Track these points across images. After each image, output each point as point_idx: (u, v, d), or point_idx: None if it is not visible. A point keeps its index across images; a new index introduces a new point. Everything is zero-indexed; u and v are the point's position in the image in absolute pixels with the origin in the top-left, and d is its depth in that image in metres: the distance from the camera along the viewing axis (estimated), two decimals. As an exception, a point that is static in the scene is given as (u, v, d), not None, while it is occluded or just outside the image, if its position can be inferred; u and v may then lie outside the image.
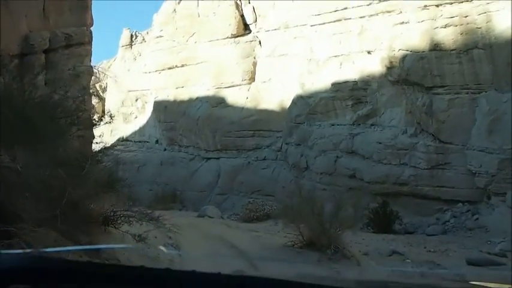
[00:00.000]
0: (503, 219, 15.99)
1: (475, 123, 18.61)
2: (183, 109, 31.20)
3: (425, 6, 19.21)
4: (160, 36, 34.10)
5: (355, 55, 22.92)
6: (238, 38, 29.86)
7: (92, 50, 19.04)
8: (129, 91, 36.25)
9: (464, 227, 17.41)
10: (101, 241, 7.68)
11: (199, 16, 30.98)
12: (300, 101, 25.21)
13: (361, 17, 21.97)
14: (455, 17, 18.57)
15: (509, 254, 12.96)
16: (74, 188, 7.06)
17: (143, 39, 38.03)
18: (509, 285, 1.90)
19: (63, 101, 9.75)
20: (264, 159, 27.61)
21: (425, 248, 14.17)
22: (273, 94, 27.63)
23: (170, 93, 32.29)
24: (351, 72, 22.95)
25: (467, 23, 18.35)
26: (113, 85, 38.83)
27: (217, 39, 30.23)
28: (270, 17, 28.37)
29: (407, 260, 11.43)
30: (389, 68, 21.02)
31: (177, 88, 31.94)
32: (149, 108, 34.58)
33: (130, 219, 9.16)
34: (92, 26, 19.06)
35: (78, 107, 9.75)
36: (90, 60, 18.93)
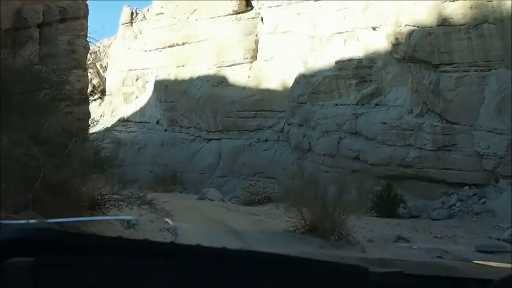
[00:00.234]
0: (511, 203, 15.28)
1: (483, 102, 17.78)
2: (184, 88, 30.56)
3: (434, -21, 18.33)
4: (161, 14, 33.31)
5: (360, 31, 22.12)
6: (240, 14, 29.07)
7: (88, 24, 18.38)
8: (130, 70, 35.68)
9: (470, 211, 16.71)
10: (84, 228, 7.08)
11: (200, -8, 30.11)
12: (303, 80, 24.47)
13: (366, -9, 21.13)
14: (464, -10, 17.70)
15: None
16: (54, 169, 6.41)
17: (144, 17, 37.30)
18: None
19: (49, 75, 9.05)
20: (266, 140, 27.02)
21: (431, 233, 13.55)
22: (276, 73, 26.91)
23: (171, 72, 31.65)
24: (356, 49, 22.19)
25: (478, -4, 17.48)
26: (113, 64, 38.26)
27: (219, 16, 29.45)
28: (272, -7, 27.48)
29: (414, 247, 10.80)
30: (395, 45, 20.22)
31: (177, 67, 31.29)
32: (150, 88, 34.00)
33: (120, 203, 8.56)
34: (88, -1, 18.37)
35: (64, 81, 9.09)
36: (86, 35, 18.27)
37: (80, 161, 6.68)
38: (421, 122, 19.48)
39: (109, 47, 41.06)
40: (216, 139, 29.11)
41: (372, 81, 21.86)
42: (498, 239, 12.69)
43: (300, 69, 24.74)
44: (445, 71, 18.65)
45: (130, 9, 38.40)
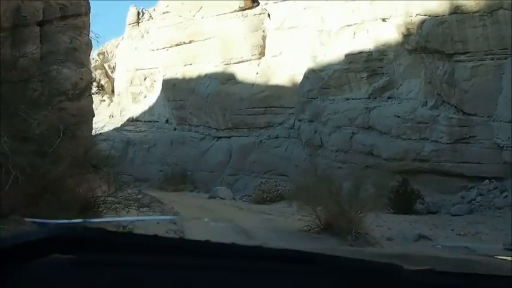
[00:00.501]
0: (535, 196, 14.70)
1: (501, 91, 17.14)
2: (192, 87, 30.20)
3: (445, -35, 17.73)
4: (167, 12, 32.99)
5: (369, 23, 21.58)
6: (246, 11, 28.66)
7: (90, 21, 17.93)
8: (137, 70, 35.38)
9: (492, 206, 16.08)
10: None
11: (205, -11, 29.69)
12: (312, 74, 23.95)
13: (374, -18, 20.56)
14: (477, -24, 17.10)
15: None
16: (39, 168, 5.97)
17: (150, 16, 36.95)
18: None
19: (39, 69, 8.61)
20: (276, 137, 26.58)
21: (452, 230, 12.98)
22: (284, 68, 26.42)
23: (178, 71, 31.31)
24: (365, 42, 21.67)
25: (491, -19, 16.88)
26: (121, 64, 37.99)
27: (225, 13, 29.08)
28: (278, -13, 26.97)
29: (438, 246, 10.23)
30: (406, 36, 19.65)
31: (185, 65, 30.94)
32: (158, 87, 33.68)
33: (116, 206, 8.08)
34: (89, -4, 17.93)
35: (56, 76, 8.65)
36: (88, 33, 17.85)
37: (70, 160, 6.19)
38: (436, 114, 18.90)
39: (116, 47, 40.77)
40: (225, 137, 28.71)
41: (383, 73, 21.31)
42: (525, 235, 12.08)
43: (309, 64, 24.24)
44: (460, 61, 18.05)
45: (136, 9, 38.09)
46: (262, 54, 27.94)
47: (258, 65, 27.86)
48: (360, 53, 21.77)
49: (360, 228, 10.24)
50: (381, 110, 20.95)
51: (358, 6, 21.74)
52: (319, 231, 10.70)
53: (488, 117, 17.47)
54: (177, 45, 31.49)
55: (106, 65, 42.39)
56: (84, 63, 16.88)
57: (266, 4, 28.10)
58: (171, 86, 31.75)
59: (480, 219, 14.65)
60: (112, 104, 39.50)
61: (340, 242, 9.83)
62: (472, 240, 11.25)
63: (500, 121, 17.00)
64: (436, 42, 18.50)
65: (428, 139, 19.05)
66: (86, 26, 17.29)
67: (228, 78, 28.68)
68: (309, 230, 10.87)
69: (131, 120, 35.45)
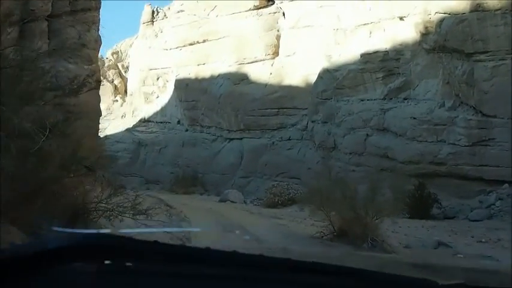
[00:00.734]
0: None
1: (522, 93, 16.41)
2: (205, 87, 29.80)
3: (465, -39, 17.07)
4: (181, 11, 32.70)
5: (386, 22, 20.95)
6: (261, 9, 28.25)
7: (100, 17, 17.58)
8: (150, 69, 35.12)
9: (513, 211, 15.36)
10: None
11: (220, -12, 29.32)
12: (327, 74, 23.36)
13: (392, -21, 19.95)
14: (499, -28, 16.42)
15: None
16: (22, 170, 5.47)
17: (165, 15, 36.73)
18: None
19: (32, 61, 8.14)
20: (289, 139, 26.03)
21: (472, 237, 12.22)
22: (298, 68, 25.90)
23: (191, 71, 30.95)
24: (382, 41, 21.03)
25: (514, -22, 16.19)
26: (134, 64, 37.76)
27: (239, 12, 28.69)
28: (294, -14, 26.46)
29: (460, 255, 9.53)
30: (424, 35, 18.98)
31: (198, 65, 30.58)
32: (170, 87, 33.37)
33: (109, 212, 7.35)
34: (100, -10, 17.60)
35: (50, 70, 8.19)
36: (98, 28, 17.46)
37: (59, 160, 5.63)
38: (454, 115, 18.19)
39: (130, 46, 40.58)
40: (237, 138, 28.22)
41: (399, 74, 20.64)
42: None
43: (324, 64, 23.66)
44: (480, 60, 17.31)
45: (151, 8, 37.94)
46: (276, 53, 27.46)
47: (272, 65, 27.38)
48: (376, 52, 21.15)
49: (376, 235, 9.60)
50: (396, 111, 20.29)
51: (375, 4, 21.13)
52: (332, 237, 10.16)
53: (508, 118, 16.69)
54: (190, 44, 31.15)
55: (120, 65, 42.24)
56: (92, 60, 16.51)
57: (281, 3, 27.61)
58: (183, 86, 31.40)
59: (500, 225, 13.87)
60: (125, 104, 39.27)
61: (355, 250, 9.24)
62: (494, 247, 10.54)
63: (521, 123, 16.30)
64: (456, 41, 17.80)
65: (445, 141, 18.33)
66: (96, 21, 16.92)
67: (241, 78, 28.23)
68: (322, 236, 10.31)
69: (143, 121, 35.18)
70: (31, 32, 14.02)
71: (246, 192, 24.57)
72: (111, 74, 41.48)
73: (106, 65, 41.86)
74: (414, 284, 1.14)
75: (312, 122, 24.38)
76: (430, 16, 18.60)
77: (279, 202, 20.28)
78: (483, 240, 11.68)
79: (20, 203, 5.12)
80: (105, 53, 43.18)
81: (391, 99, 20.83)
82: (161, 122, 34.02)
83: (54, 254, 0.97)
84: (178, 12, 32.98)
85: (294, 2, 26.68)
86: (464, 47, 17.63)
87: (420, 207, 16.38)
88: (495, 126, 17.11)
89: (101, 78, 21.19)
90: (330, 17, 23.76)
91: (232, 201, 21.03)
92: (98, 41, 17.39)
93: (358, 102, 21.95)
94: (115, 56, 42.55)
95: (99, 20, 17.32)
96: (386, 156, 20.24)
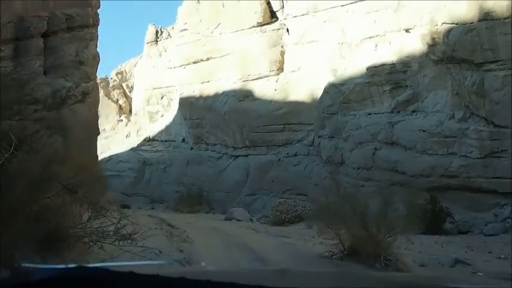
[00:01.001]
0: None
1: (535, 102, 15.97)
2: (209, 104, 29.52)
3: (472, -30, 16.77)
4: (185, 30, 32.56)
5: (392, 34, 20.68)
6: (265, 26, 27.99)
7: (98, 33, 17.37)
8: (155, 88, 34.97)
9: (529, 225, 14.81)
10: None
11: (223, 6, 29.18)
12: (332, 89, 23.01)
13: (397, -9, 19.72)
14: (508, -21, 16.10)
15: None
16: None
17: (168, 35, 36.68)
18: None
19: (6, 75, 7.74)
20: (295, 155, 25.60)
21: (490, 253, 11.65)
22: (303, 84, 25.57)
23: (196, 89, 30.70)
24: (388, 53, 20.72)
25: (523, -15, 15.86)
26: (139, 83, 37.66)
27: (243, 29, 28.46)
28: (297, 2, 26.22)
29: (479, 274, 8.95)
30: (432, 46, 18.63)
31: (202, 83, 30.33)
32: (175, 106, 33.15)
33: (86, 240, 6.39)
34: (98, 7, 17.48)
35: (29, 84, 7.78)
36: (96, 45, 17.23)
37: (27, 179, 5.01)
38: (465, 127, 17.72)
39: (135, 66, 40.53)
40: (243, 155, 27.81)
41: (407, 86, 20.27)
42: None
43: (329, 78, 23.33)
44: (490, 70, 16.91)
45: (155, 28, 37.89)
46: (280, 69, 27.17)
47: (277, 81, 27.08)
48: (383, 65, 20.81)
49: (390, 254, 9.04)
50: (405, 125, 19.85)
51: (380, 16, 20.88)
52: (342, 256, 9.63)
53: (521, 129, 16.28)
54: (194, 62, 30.95)
55: (124, 85, 42.13)
56: (90, 77, 16.22)
57: (285, 19, 27.40)
58: (188, 104, 31.14)
59: (518, 239, 13.34)
60: (129, 123, 39.07)
61: (367, 270, 8.71)
62: (515, 265, 9.95)
63: (535, 133, 15.82)
64: (464, 51, 17.42)
65: (456, 154, 17.83)
66: (94, 38, 16.66)
67: (245, 95, 27.92)
68: (331, 255, 9.78)
69: (148, 140, 34.93)
70: (26, 50, 13.75)
71: (252, 210, 24.11)
72: (115, 94, 41.38)
73: (111, 85, 41.79)
74: None
75: (319, 137, 23.97)
76: (437, 27, 18.27)
77: (286, 219, 19.77)
78: (502, 256, 11.09)
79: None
80: (110, 74, 43.19)
81: (399, 112, 20.41)
82: (166, 141, 33.72)
83: (35, 287, 0.96)
84: (182, 31, 32.85)
85: (297, 18, 26.45)
86: (473, 57, 17.24)
87: (432, 222, 15.92)
88: (508, 137, 16.61)
89: (99, 93, 20.81)
90: (335, 31, 23.50)
91: (238, 220, 20.60)
92: (95, 58, 17.13)
93: (366, 116, 21.55)
94: (119, 76, 42.47)
95: (97, 36, 17.10)
96: (396, 170, 19.75)
